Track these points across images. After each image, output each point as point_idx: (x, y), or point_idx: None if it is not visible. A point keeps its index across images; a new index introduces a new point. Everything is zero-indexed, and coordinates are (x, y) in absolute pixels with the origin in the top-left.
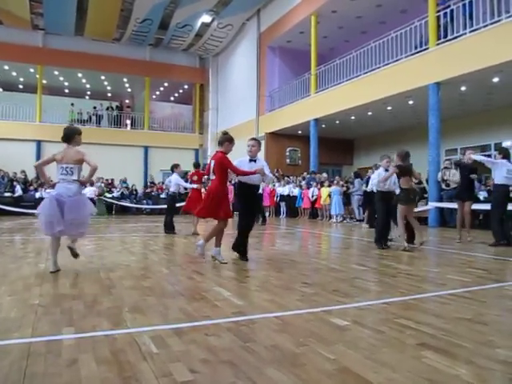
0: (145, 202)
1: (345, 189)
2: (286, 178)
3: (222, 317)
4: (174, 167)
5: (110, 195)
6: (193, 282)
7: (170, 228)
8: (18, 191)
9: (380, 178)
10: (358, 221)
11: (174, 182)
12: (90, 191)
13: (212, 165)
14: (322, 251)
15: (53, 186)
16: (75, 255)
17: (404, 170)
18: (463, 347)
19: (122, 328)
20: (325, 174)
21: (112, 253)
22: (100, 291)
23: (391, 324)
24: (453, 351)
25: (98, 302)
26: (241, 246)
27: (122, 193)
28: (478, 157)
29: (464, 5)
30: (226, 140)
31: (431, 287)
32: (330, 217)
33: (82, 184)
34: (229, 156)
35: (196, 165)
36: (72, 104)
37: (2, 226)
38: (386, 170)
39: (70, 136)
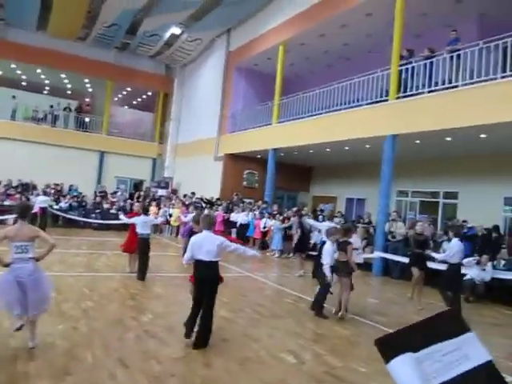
0: (93, 215)
1: (285, 225)
2: (241, 205)
3: None
4: None
5: (57, 206)
6: None
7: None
8: None
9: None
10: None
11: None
12: (43, 201)
13: None
14: (253, 324)
15: (6, 266)
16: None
17: (340, 245)
18: None
19: None
20: (275, 207)
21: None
22: None
23: None
24: None
25: None
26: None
27: (70, 205)
28: (440, 256)
29: (425, 64)
30: None
31: None
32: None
33: (37, 261)
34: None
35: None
36: (14, 97)
37: None
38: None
39: (26, 212)
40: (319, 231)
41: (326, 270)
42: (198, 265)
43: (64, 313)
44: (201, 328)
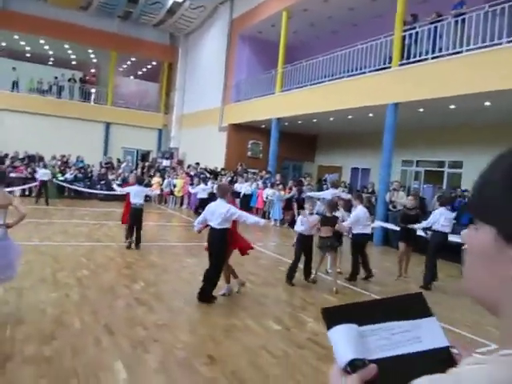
0: (98, 187)
1: (287, 195)
2: (245, 175)
3: None
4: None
5: (62, 177)
6: (97, 351)
7: None
8: None
9: (306, 224)
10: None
11: None
12: (43, 174)
13: None
14: (243, 292)
15: None
16: None
17: (326, 221)
18: None
19: None
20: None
21: (34, 283)
22: None
23: None
24: None
25: None
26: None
27: (76, 176)
28: (421, 225)
29: (429, 29)
30: None
31: None
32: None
33: (8, 228)
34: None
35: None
36: (14, 68)
37: None
38: (311, 214)
39: (2, 179)
40: (323, 200)
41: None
42: (210, 230)
43: (58, 281)
44: (203, 282)
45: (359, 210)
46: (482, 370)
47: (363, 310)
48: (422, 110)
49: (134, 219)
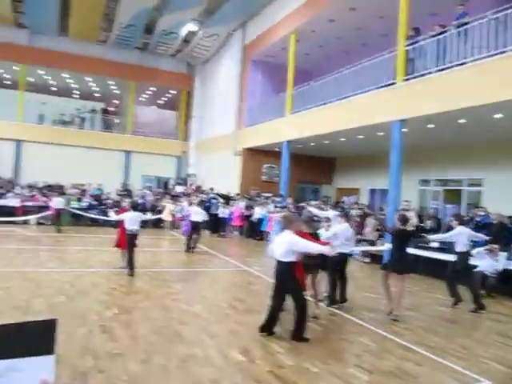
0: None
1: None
2: (257, 200)
3: None
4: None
5: (76, 205)
6: None
7: None
8: None
9: None
10: None
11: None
12: (58, 202)
13: None
14: (220, 319)
15: None
16: None
17: None
18: None
19: None
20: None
21: (4, 310)
22: None
23: None
24: None
25: None
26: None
27: (90, 203)
28: (437, 237)
29: (433, 42)
30: None
31: None
32: None
33: None
34: None
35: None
36: (43, 103)
37: None
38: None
39: None
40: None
41: None
42: (276, 263)
43: (30, 308)
44: (294, 321)
45: (340, 227)
46: None
47: None
48: (432, 126)
49: (128, 245)
